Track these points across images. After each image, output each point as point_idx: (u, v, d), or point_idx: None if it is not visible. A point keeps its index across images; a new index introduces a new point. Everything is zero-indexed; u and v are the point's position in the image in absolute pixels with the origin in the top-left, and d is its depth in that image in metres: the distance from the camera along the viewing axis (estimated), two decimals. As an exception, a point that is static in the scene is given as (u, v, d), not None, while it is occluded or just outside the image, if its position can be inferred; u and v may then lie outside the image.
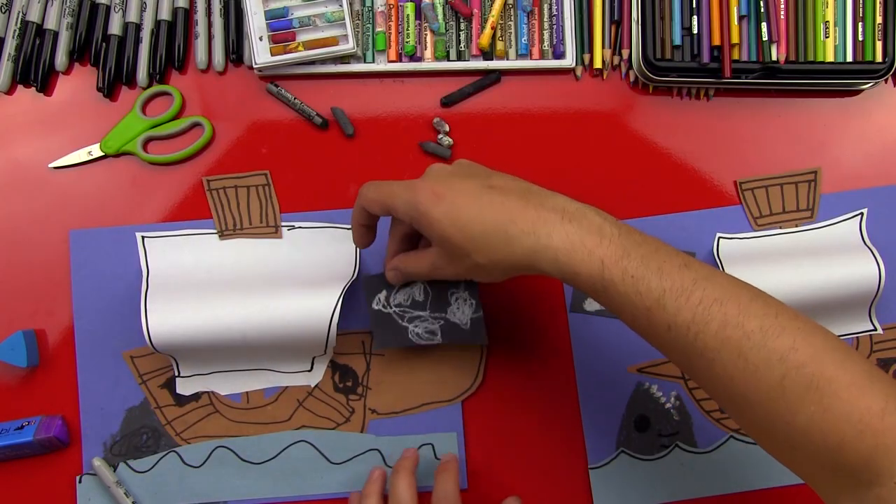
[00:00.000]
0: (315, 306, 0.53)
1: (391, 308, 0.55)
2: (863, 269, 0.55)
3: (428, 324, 0.54)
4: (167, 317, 0.53)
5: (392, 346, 0.56)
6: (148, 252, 0.57)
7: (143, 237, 0.57)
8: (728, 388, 0.40)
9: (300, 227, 0.58)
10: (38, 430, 0.54)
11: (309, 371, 0.57)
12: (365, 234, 0.52)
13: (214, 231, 0.58)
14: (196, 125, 0.59)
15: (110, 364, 0.57)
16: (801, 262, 0.55)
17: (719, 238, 0.58)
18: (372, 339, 0.57)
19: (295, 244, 0.58)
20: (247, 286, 0.55)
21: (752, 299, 0.41)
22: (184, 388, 0.57)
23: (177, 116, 0.59)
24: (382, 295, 0.55)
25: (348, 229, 0.57)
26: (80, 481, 0.56)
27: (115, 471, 0.56)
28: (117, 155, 0.59)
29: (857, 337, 0.58)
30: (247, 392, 0.57)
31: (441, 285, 0.54)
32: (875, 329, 0.58)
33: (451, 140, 0.59)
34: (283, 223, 0.58)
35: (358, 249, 0.57)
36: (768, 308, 0.41)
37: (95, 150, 0.59)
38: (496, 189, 0.44)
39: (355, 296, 0.57)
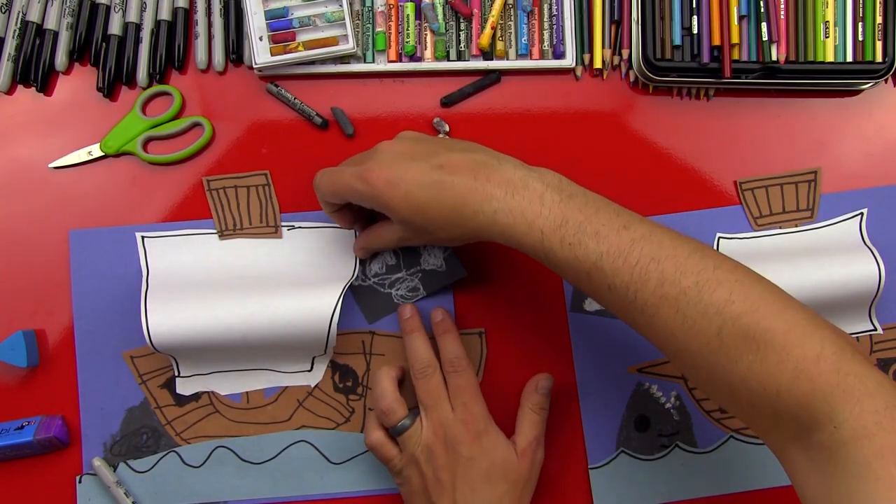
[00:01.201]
0: (315, 306, 0.53)
1: (370, 280, 0.56)
2: (863, 269, 0.55)
3: (407, 282, 0.56)
4: (167, 317, 0.53)
5: (382, 317, 0.57)
6: (148, 252, 0.57)
7: (142, 237, 0.57)
8: (670, 342, 0.42)
9: (300, 227, 0.58)
10: (38, 430, 0.54)
11: (309, 371, 0.57)
12: (342, 217, 0.54)
13: (214, 231, 0.58)
14: (196, 125, 0.59)
15: (110, 364, 0.57)
16: (801, 263, 0.55)
17: (719, 238, 0.58)
18: (372, 338, 0.57)
19: (295, 244, 0.58)
20: (247, 286, 0.55)
21: (690, 255, 0.42)
22: (184, 388, 0.57)
23: (177, 116, 0.59)
24: (358, 269, 0.56)
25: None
26: (80, 481, 0.56)
27: (115, 471, 0.56)
28: (117, 155, 0.59)
29: (857, 337, 0.58)
30: (247, 392, 0.57)
31: None
32: (875, 329, 0.58)
33: (451, 140, 0.59)
34: (283, 223, 0.58)
35: None
36: (706, 262, 0.42)
37: (95, 150, 0.59)
38: (446, 169, 0.46)
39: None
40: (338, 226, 0.58)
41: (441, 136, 0.59)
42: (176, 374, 0.57)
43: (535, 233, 0.44)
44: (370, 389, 0.57)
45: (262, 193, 0.58)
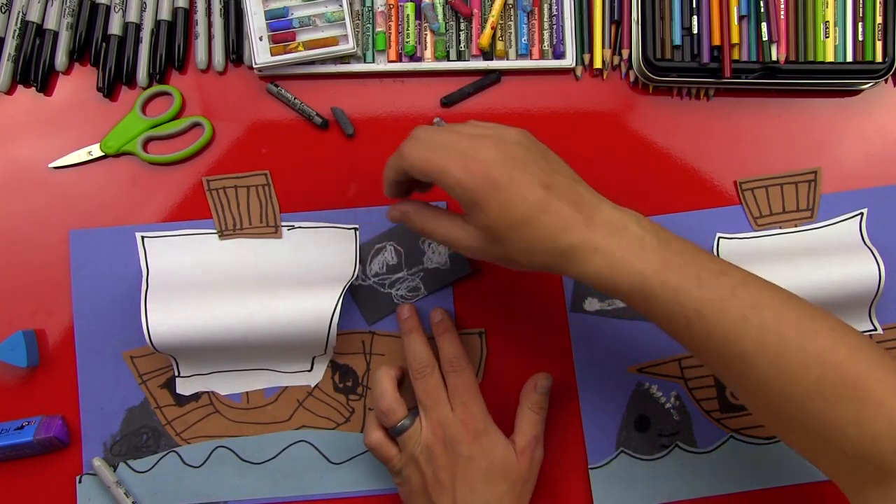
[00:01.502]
0: (315, 306, 0.53)
1: (370, 280, 0.56)
2: (863, 269, 0.55)
3: (408, 282, 0.56)
4: (167, 317, 0.53)
5: (382, 318, 0.57)
6: (148, 252, 0.57)
7: (142, 237, 0.57)
8: (765, 391, 0.42)
9: (300, 227, 0.58)
10: (38, 430, 0.54)
11: (309, 371, 0.57)
12: (399, 191, 0.50)
13: (214, 231, 0.58)
14: (196, 125, 0.59)
15: (110, 364, 0.57)
16: (801, 263, 0.55)
17: (719, 238, 0.58)
18: (372, 338, 0.57)
19: (295, 244, 0.58)
20: (247, 286, 0.55)
21: (785, 302, 0.42)
22: (184, 388, 0.57)
23: (177, 116, 0.59)
24: (358, 269, 0.56)
25: (348, 229, 0.58)
26: (79, 481, 0.56)
27: (115, 471, 0.56)
28: (117, 155, 0.59)
29: (857, 337, 0.58)
30: (247, 392, 0.57)
31: (412, 239, 0.56)
32: (875, 329, 0.58)
33: (451, 140, 0.59)
34: (283, 223, 0.58)
35: (358, 249, 0.57)
36: (802, 311, 0.42)
37: (95, 150, 0.59)
38: (552, 191, 0.43)
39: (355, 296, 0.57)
40: (338, 226, 0.58)
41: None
42: (176, 374, 0.57)
43: (636, 275, 0.42)
44: (370, 389, 0.57)
45: (261, 193, 0.58)
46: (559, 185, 0.44)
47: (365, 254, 0.58)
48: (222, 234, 0.58)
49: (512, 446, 0.52)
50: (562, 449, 0.57)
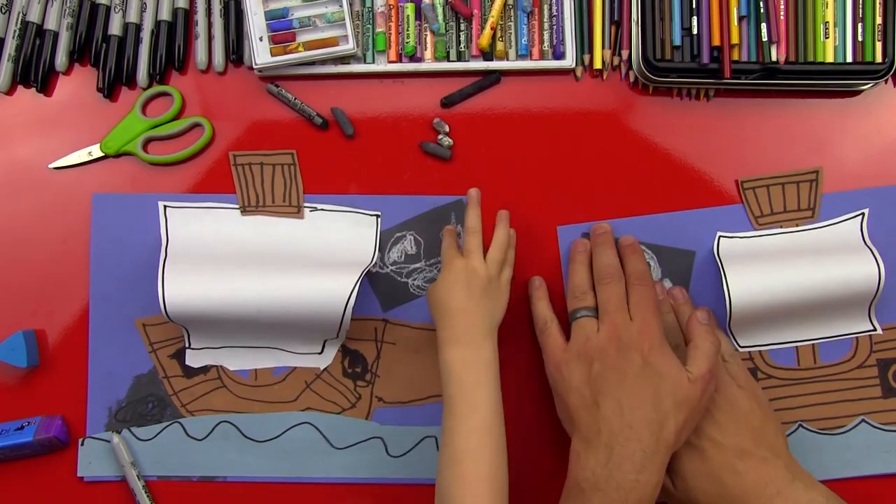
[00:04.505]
0: (332, 289, 0.53)
1: (388, 268, 0.56)
2: (863, 270, 0.55)
3: (425, 273, 0.57)
4: (183, 287, 0.53)
5: (397, 306, 0.58)
6: (169, 221, 0.57)
7: (164, 206, 0.57)
8: None
9: (322, 210, 0.58)
10: (38, 430, 0.55)
11: (319, 354, 0.57)
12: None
13: (237, 206, 0.58)
14: (196, 125, 0.59)
15: (122, 330, 0.57)
16: (801, 262, 0.55)
17: (720, 237, 0.58)
18: (385, 326, 0.58)
19: (316, 226, 0.58)
20: (265, 263, 0.55)
21: None
22: (193, 359, 0.57)
23: (177, 117, 0.59)
24: (377, 256, 0.57)
25: (370, 215, 0.58)
26: (82, 444, 0.56)
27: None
28: (117, 155, 0.59)
29: (857, 337, 0.58)
30: (255, 369, 0.57)
31: (432, 230, 0.57)
32: (874, 329, 0.58)
33: (451, 140, 0.59)
34: (306, 204, 0.58)
35: (378, 236, 0.57)
36: None
37: (95, 151, 0.59)
38: (751, 459, 0.49)
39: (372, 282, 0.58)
40: (360, 211, 0.58)
41: (442, 137, 0.59)
42: (187, 345, 0.57)
43: None
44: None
45: (287, 172, 0.58)
46: (758, 456, 0.49)
47: (384, 241, 0.58)
48: (244, 210, 0.58)
49: (686, 373, 0.50)
50: (562, 447, 0.57)
